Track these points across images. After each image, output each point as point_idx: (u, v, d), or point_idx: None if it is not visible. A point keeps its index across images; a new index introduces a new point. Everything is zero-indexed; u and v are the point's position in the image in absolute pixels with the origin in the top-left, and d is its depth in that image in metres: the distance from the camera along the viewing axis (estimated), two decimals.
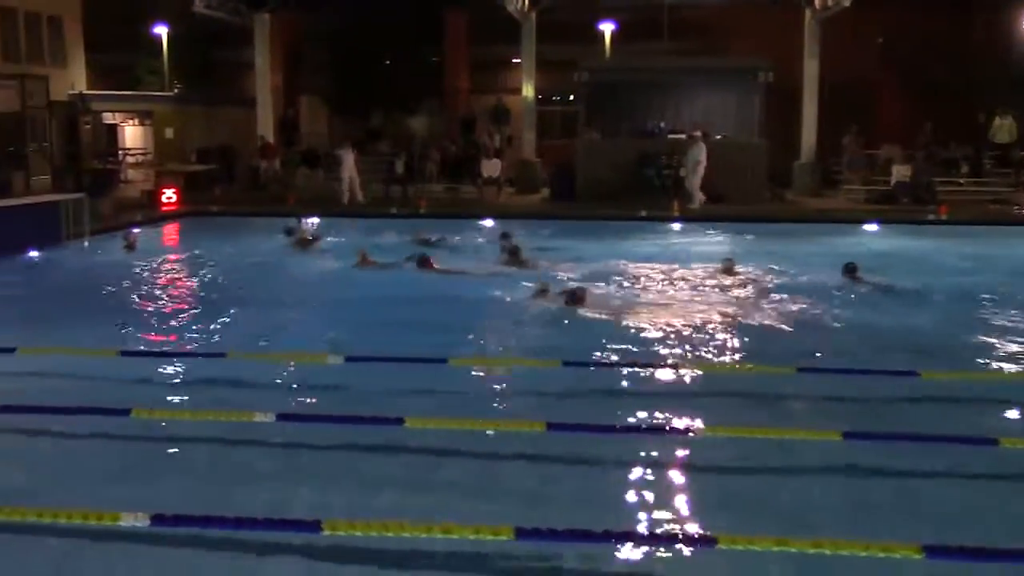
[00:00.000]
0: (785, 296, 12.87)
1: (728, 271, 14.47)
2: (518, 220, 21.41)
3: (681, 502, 6.21)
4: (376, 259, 15.11)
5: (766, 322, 11.43)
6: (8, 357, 9.09)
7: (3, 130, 26.11)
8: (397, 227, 18.99)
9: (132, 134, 35.94)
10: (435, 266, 14.56)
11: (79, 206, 17.80)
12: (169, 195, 23.16)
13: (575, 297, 11.87)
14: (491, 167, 26.20)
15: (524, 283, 13.27)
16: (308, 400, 8.22)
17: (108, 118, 33.65)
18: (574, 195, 24.75)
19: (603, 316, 11.62)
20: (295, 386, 8.60)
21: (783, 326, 11.24)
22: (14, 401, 7.52)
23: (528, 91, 27.37)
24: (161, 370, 9.09)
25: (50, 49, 30.03)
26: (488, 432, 7.17)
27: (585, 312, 11.70)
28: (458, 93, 34.85)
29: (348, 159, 24.54)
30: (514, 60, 29.84)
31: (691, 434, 7.26)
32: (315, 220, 21.17)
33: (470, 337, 10.66)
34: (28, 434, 7.19)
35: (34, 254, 16.28)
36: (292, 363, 9.27)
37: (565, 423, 7.10)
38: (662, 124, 25.80)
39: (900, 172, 24.92)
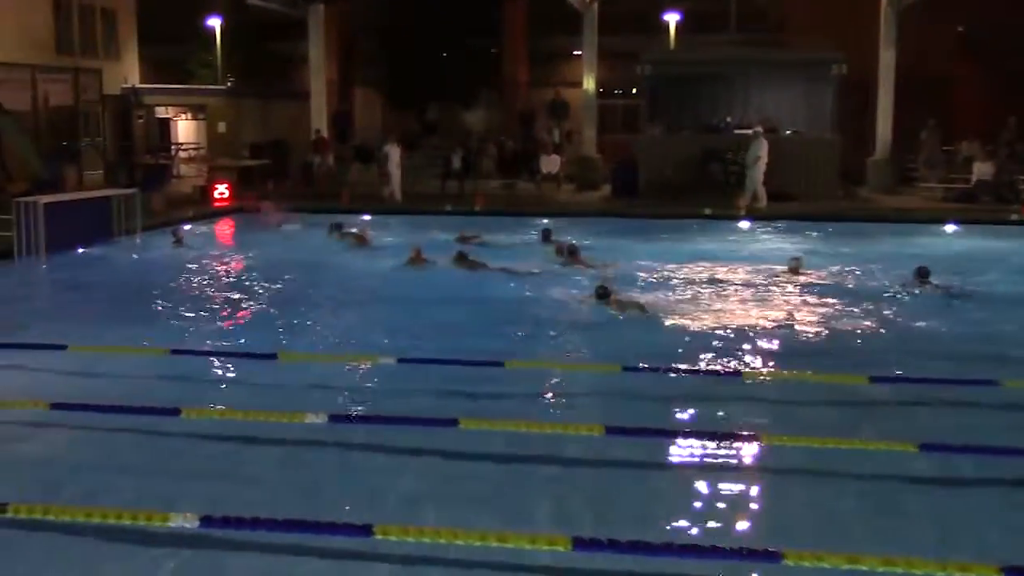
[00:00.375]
0: (856, 299, 12.68)
1: (795, 271, 14.34)
2: (577, 218, 21.40)
3: (745, 514, 6.14)
4: (429, 257, 15.16)
5: (836, 327, 11.27)
6: (58, 354, 9.31)
7: (56, 124, 26.65)
8: (453, 224, 19.01)
9: (185, 128, 36.47)
10: (470, 262, 14.66)
11: (131, 202, 18.11)
12: (221, 191, 23.48)
13: (605, 292, 11.90)
14: (550, 163, 26.18)
15: (584, 284, 13.23)
16: (360, 402, 8.27)
17: (161, 112, 34.18)
18: (636, 192, 24.64)
19: (665, 319, 11.55)
20: (347, 387, 8.66)
21: (854, 331, 11.07)
22: (64, 398, 7.67)
23: (589, 84, 27.29)
24: (211, 370, 9.23)
25: (104, 42, 30.61)
26: (544, 435, 7.15)
27: (646, 314, 11.64)
28: (516, 86, 34.88)
29: (395, 155, 24.70)
30: (574, 52, 29.78)
31: (757, 442, 7.18)
32: (367, 217, 21.36)
33: (526, 340, 10.65)
34: (77, 432, 7.35)
35: (85, 250, 16.61)
36: (344, 364, 9.34)
37: (624, 427, 7.06)
38: (728, 119, 25.56)
39: (981, 170, 24.41)
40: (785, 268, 14.58)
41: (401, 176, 24.71)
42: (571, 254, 15.07)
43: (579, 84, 28.07)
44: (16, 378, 8.86)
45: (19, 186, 21.67)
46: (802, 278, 14.13)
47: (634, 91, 30.90)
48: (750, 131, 23.37)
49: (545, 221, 19.59)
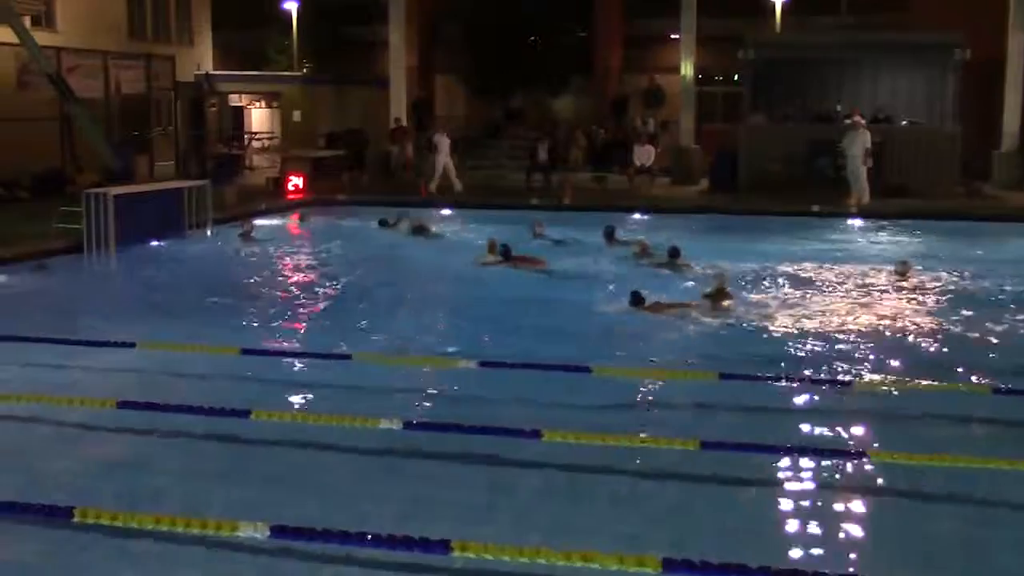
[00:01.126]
0: (975, 304, 12.41)
1: (903, 274, 14.14)
2: (672, 214, 21.25)
3: (851, 537, 6.03)
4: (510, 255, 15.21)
5: (952, 334, 11.03)
6: (127, 352, 9.57)
7: (128, 112, 27.36)
8: (539, 219, 19.01)
9: (258, 117, 37.16)
10: (519, 262, 14.76)
11: (202, 194, 18.49)
12: (295, 183, 23.85)
13: (635, 301, 11.79)
14: (643, 154, 26.03)
15: (682, 285, 13.15)
16: (438, 408, 8.32)
17: (234, 100, 34.84)
18: (736, 187, 24.38)
19: (765, 324, 11.43)
20: (424, 392, 8.73)
21: (973, 339, 10.82)
22: (132, 397, 7.87)
23: (687, 70, 27.08)
24: (283, 370, 9.39)
25: (177, 27, 31.39)
26: (634, 449, 7.11)
27: (745, 320, 11.53)
28: (608, 72, 34.76)
29: (444, 145, 24.81)
30: (672, 36, 29.60)
31: (864, 459, 7.05)
32: (447, 211, 21.52)
33: (615, 345, 10.62)
34: (145, 433, 7.52)
35: (156, 244, 17.00)
36: (422, 367, 9.41)
37: (722, 442, 6.99)
38: (838, 108, 25.14)
39: None
40: (892, 269, 14.44)
41: (455, 166, 24.89)
42: (672, 255, 14.94)
43: (676, 70, 27.85)
44: (84, 376, 9.12)
45: (89, 178, 22.33)
46: (912, 281, 13.93)
47: (736, 78, 30.55)
48: (849, 121, 22.95)
49: (640, 216, 19.46)
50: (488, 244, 15.50)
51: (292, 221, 20.99)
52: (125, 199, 16.66)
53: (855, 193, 22.06)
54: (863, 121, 22.56)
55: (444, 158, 24.69)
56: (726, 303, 12.16)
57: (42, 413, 7.86)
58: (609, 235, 17.01)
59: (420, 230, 18.47)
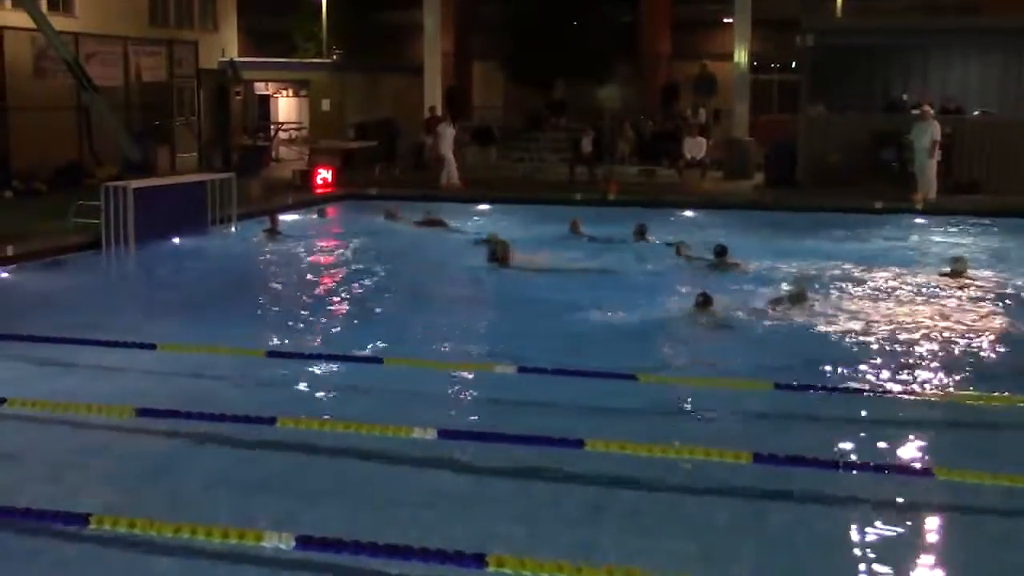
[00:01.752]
0: None
1: (959, 272, 14.15)
2: (725, 210, 21.19)
3: (915, 562, 6.01)
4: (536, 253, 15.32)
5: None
6: (147, 354, 9.68)
7: (148, 101, 27.62)
8: (581, 215, 19.03)
9: (285, 106, 37.39)
10: (511, 260, 14.85)
11: (227, 187, 18.64)
12: (324, 175, 24.00)
13: (703, 302, 11.80)
14: (694, 146, 25.98)
15: (733, 287, 13.13)
16: (473, 416, 8.38)
17: (260, 88, 35.07)
18: (794, 181, 24.27)
19: (823, 330, 11.39)
20: (459, 399, 8.79)
21: None
22: (152, 403, 7.97)
23: (740, 56, 26.99)
24: (310, 374, 9.47)
25: (200, 12, 31.66)
26: (682, 461, 7.12)
27: (801, 326, 11.51)
28: (656, 59, 34.68)
29: (448, 136, 24.91)
30: (724, 19, 29.50)
31: (930, 477, 7.01)
32: (485, 206, 21.58)
33: (662, 350, 10.61)
34: (165, 440, 7.62)
35: (177, 240, 17.18)
36: (456, 372, 9.46)
37: (775, 455, 6.98)
38: (905, 97, 24.95)
39: None
40: (946, 269, 14.45)
41: (456, 159, 25.11)
42: (719, 254, 14.91)
43: (729, 56, 27.78)
44: (102, 379, 9.25)
45: (108, 170, 22.59)
46: (982, 285, 13.87)
47: (793, 65, 30.41)
48: (918, 111, 22.77)
49: (691, 213, 19.42)
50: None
51: (320, 216, 21.11)
52: (145, 193, 16.80)
53: (921, 189, 21.88)
54: (932, 112, 22.37)
55: (448, 150, 24.82)
56: (801, 307, 12.12)
57: (57, 417, 7.97)
58: (640, 232, 17.01)
59: (430, 223, 18.82)
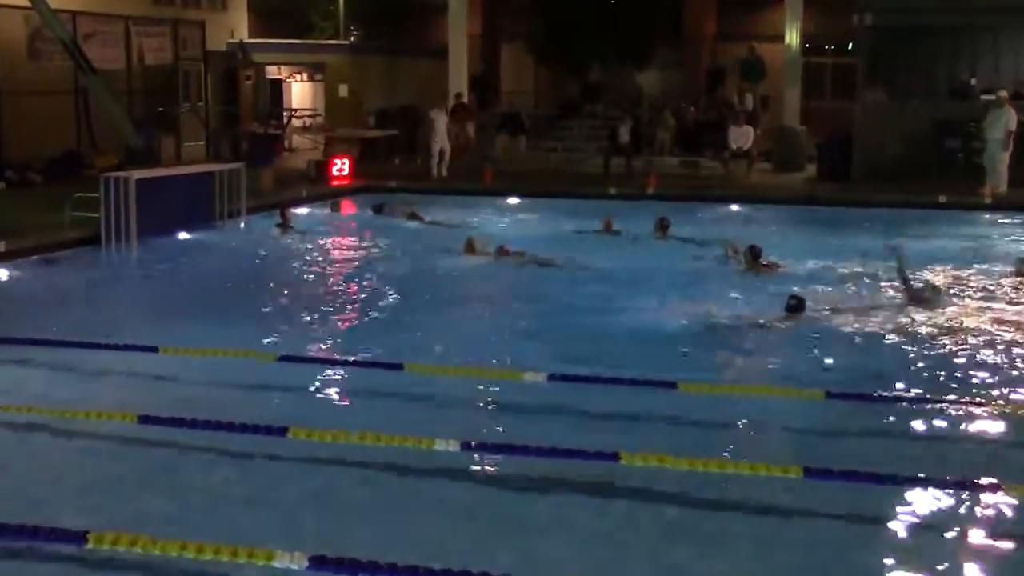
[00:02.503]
0: None
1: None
2: (774, 205, 21.13)
3: None
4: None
5: None
6: (149, 357, 9.71)
7: (152, 86, 27.76)
8: (614, 210, 19.03)
9: (299, 92, 37.47)
10: (510, 252, 15.31)
11: (236, 178, 18.72)
12: (340, 167, 24.06)
13: (795, 306, 11.79)
14: (740, 136, 25.88)
15: (772, 290, 13.12)
16: (500, 427, 8.39)
17: (272, 72, 35.18)
18: (848, 174, 24.16)
19: (879, 335, 11.36)
20: (485, 408, 8.79)
21: None
22: (154, 411, 8.00)
23: (792, 37, 26.88)
24: (324, 381, 9.50)
25: None
26: (726, 476, 7.11)
27: (855, 330, 11.48)
28: (700, 40, 34.59)
29: (441, 123, 24.98)
30: None
31: (998, 492, 6.96)
32: (514, 200, 21.60)
33: (704, 357, 10.59)
34: (168, 451, 7.64)
35: (182, 235, 17.26)
36: (481, 379, 9.47)
37: (828, 469, 6.95)
38: (973, 81, 24.78)
39: None
40: (1015, 270, 14.43)
41: (449, 149, 25.31)
42: (755, 258, 14.82)
43: (780, 38, 27.67)
44: (101, 385, 9.32)
45: (108, 160, 22.71)
46: None
47: (849, 47, 30.26)
48: (992, 97, 22.60)
49: (736, 208, 19.35)
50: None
51: (335, 210, 21.17)
52: (148, 184, 16.89)
53: (991, 182, 21.74)
54: (1008, 98, 22.21)
55: (440, 138, 24.92)
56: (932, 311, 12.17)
57: (53, 426, 8.01)
58: (663, 227, 16.96)
59: (415, 216, 19.26)
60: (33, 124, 22.79)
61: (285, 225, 18.28)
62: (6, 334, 10.31)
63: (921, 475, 7.28)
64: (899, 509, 6.74)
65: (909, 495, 6.92)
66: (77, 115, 24.78)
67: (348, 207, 21.78)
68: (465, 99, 28.66)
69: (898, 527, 6.57)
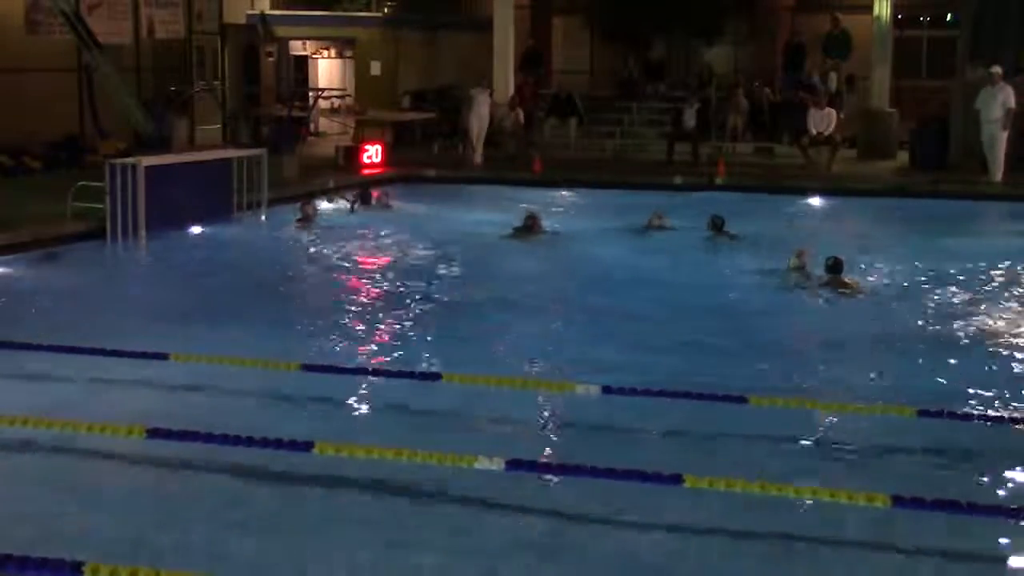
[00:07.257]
0: None
1: None
2: (860, 198, 21.00)
3: None
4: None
5: None
6: (159, 365, 9.77)
7: (163, 63, 27.94)
8: (681, 202, 19.01)
9: (327, 70, 37.62)
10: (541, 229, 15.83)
11: (256, 166, 18.80)
12: (371, 153, 24.13)
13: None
14: (822, 120, 25.74)
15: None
16: (548, 444, 8.40)
17: (297, 48, 35.33)
18: (946, 163, 23.98)
19: (978, 346, 11.31)
20: (532, 424, 8.79)
21: None
22: (164, 423, 8.03)
23: (881, 9, 26.71)
24: (353, 392, 9.54)
25: None
26: (803, 503, 7.08)
27: (949, 341, 11.42)
28: (777, 13, 34.46)
29: (482, 103, 24.94)
30: None
31: None
32: (565, 192, 21.59)
33: (776, 369, 10.55)
34: (178, 469, 7.70)
35: (196, 229, 17.38)
36: (528, 392, 9.47)
37: (919, 498, 6.91)
38: None
39: None
40: None
41: (484, 132, 25.35)
42: (832, 270, 14.49)
43: (868, 9, 27.50)
44: (106, 395, 9.38)
45: (114, 145, 22.88)
46: None
47: (948, 18, 30.06)
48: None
49: (818, 201, 19.20)
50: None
51: (366, 202, 21.24)
52: (158, 172, 16.98)
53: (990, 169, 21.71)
54: (1001, 75, 22.05)
55: (482, 121, 24.93)
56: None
57: (51, 441, 8.04)
58: (717, 227, 16.88)
59: (365, 198, 19.99)
60: (32, 105, 22.91)
61: (308, 219, 18.29)
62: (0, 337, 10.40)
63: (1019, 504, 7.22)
64: (997, 543, 6.69)
65: (1009, 527, 6.86)
66: (80, 95, 24.91)
67: (379, 197, 21.81)
68: (514, 80, 28.63)
69: (996, 564, 6.54)
